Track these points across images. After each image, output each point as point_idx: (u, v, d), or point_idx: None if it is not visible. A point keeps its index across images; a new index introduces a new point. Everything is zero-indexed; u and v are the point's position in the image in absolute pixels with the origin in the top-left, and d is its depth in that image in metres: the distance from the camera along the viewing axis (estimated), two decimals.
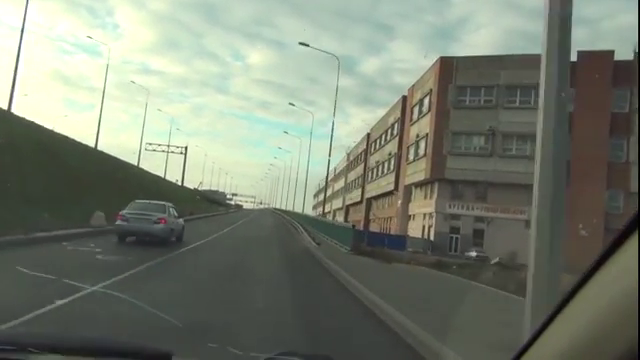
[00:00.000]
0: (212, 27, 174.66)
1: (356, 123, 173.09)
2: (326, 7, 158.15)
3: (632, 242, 0.80)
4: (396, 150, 53.05)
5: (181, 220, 18.45)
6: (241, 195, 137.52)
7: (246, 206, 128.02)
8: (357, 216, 71.03)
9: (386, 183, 56.24)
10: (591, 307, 0.85)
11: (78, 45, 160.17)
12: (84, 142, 38.44)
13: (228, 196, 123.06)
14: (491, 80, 39.06)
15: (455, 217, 39.98)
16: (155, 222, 15.52)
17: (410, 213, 47.65)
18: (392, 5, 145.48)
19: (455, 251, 38.16)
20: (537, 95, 4.45)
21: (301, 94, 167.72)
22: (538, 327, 1.00)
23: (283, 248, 21.26)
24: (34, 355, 1.54)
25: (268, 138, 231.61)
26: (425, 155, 42.25)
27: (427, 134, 42.16)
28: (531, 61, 40.69)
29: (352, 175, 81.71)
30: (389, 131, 57.77)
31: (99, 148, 43.46)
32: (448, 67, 40.80)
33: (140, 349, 1.70)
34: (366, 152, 71.13)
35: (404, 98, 52.55)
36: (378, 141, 63.60)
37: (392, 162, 54.73)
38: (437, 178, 40.74)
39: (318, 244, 21.98)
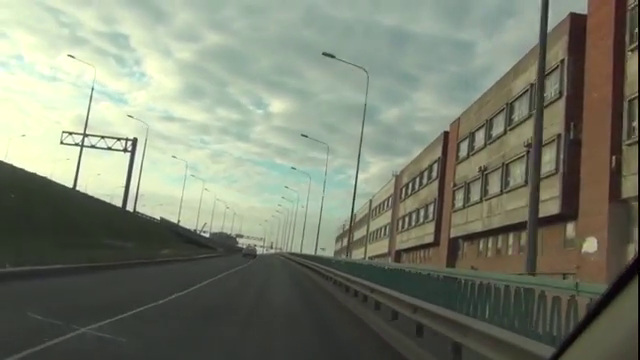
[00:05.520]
0: (236, 76, 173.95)
1: (374, 171, 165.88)
2: (349, 58, 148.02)
3: (633, 286, 0.85)
4: (562, 131, 25.33)
5: (257, 249, 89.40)
6: (248, 237, 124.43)
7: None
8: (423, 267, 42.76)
9: (514, 207, 28.51)
10: (594, 347, 0.92)
11: (103, 92, 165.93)
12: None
13: (239, 239, 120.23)
14: None
15: None
16: (253, 249, 75.78)
17: None
18: (415, 56, 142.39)
19: None
20: None
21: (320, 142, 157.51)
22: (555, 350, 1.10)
23: None
24: None
25: (285, 184, 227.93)
26: None
27: None
28: None
29: (409, 204, 53.85)
30: (508, 109, 30.26)
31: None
32: None
33: None
34: (443, 163, 43.55)
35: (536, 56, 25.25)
36: (474, 136, 36.00)
37: (522, 166, 27.06)
38: None
39: None
